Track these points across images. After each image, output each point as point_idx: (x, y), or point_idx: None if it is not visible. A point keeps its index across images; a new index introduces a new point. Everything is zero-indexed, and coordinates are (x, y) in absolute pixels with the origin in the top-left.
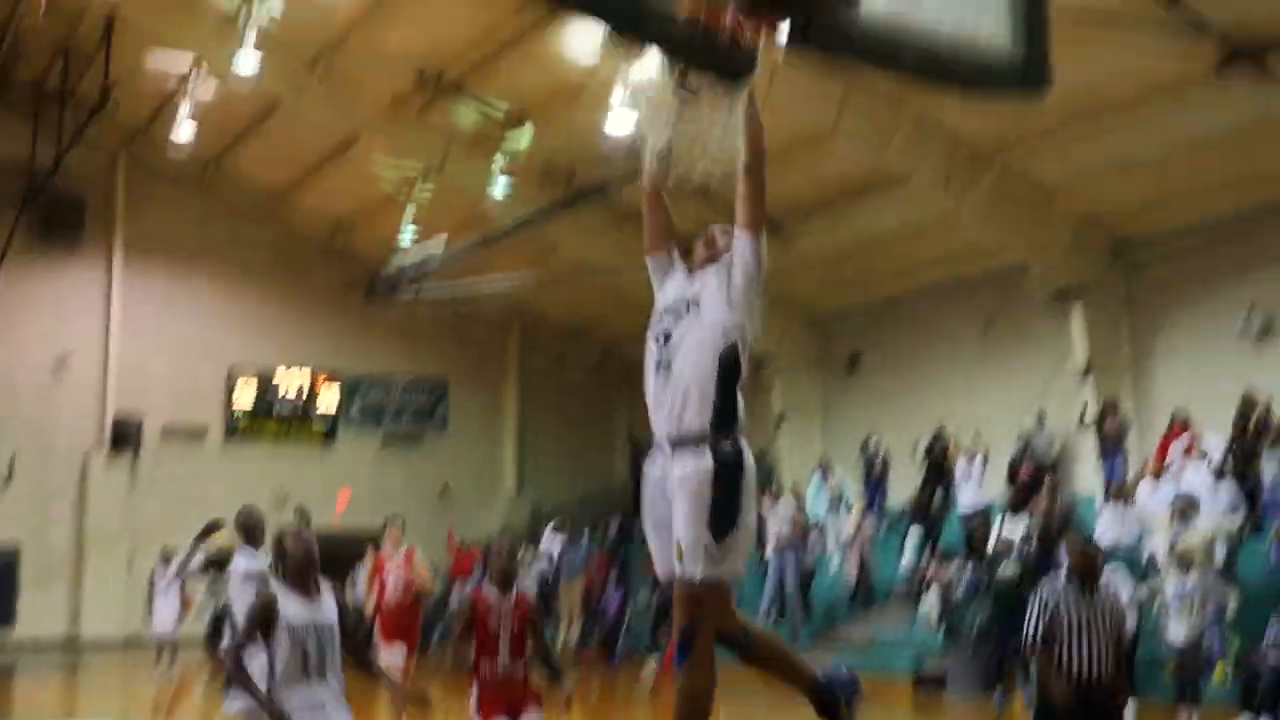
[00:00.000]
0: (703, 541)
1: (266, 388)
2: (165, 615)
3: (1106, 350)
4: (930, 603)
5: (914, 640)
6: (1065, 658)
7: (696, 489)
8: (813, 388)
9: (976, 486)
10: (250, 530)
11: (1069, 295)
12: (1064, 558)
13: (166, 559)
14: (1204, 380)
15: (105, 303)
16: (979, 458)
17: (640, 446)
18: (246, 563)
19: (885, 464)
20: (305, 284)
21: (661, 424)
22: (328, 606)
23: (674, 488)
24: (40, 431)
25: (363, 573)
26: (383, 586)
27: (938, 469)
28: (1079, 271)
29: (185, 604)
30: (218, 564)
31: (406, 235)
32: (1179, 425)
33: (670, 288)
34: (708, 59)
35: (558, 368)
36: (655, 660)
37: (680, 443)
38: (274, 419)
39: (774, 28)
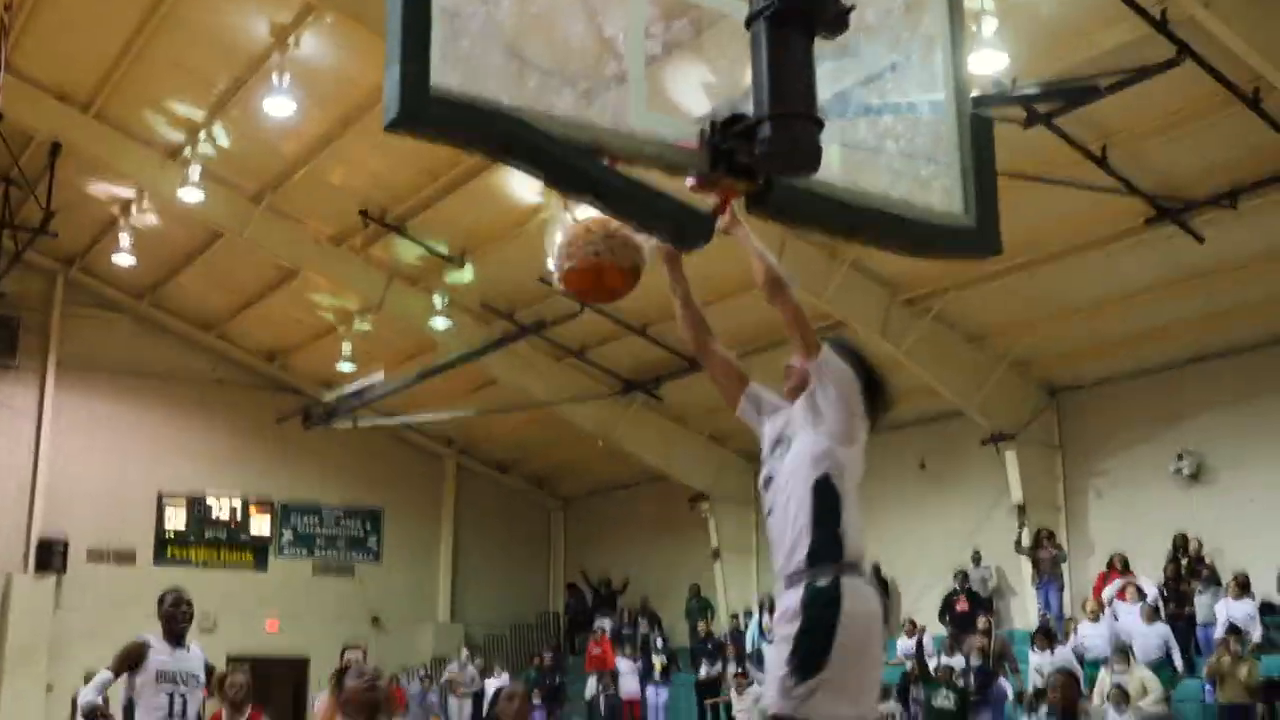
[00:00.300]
0: (782, 676)
1: (198, 510)
2: None
3: (1040, 489)
4: None
5: None
6: None
7: (787, 624)
8: (748, 523)
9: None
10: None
11: (1003, 437)
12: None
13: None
14: (1136, 519)
15: (36, 422)
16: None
17: (591, 583)
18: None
19: None
20: (241, 409)
21: (776, 565)
22: None
23: (774, 623)
24: None
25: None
26: None
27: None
28: (1013, 415)
29: None
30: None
31: (345, 365)
32: (1116, 566)
33: (767, 430)
34: (662, 224)
35: (494, 497)
36: None
37: (785, 580)
38: (205, 542)
39: (733, 195)
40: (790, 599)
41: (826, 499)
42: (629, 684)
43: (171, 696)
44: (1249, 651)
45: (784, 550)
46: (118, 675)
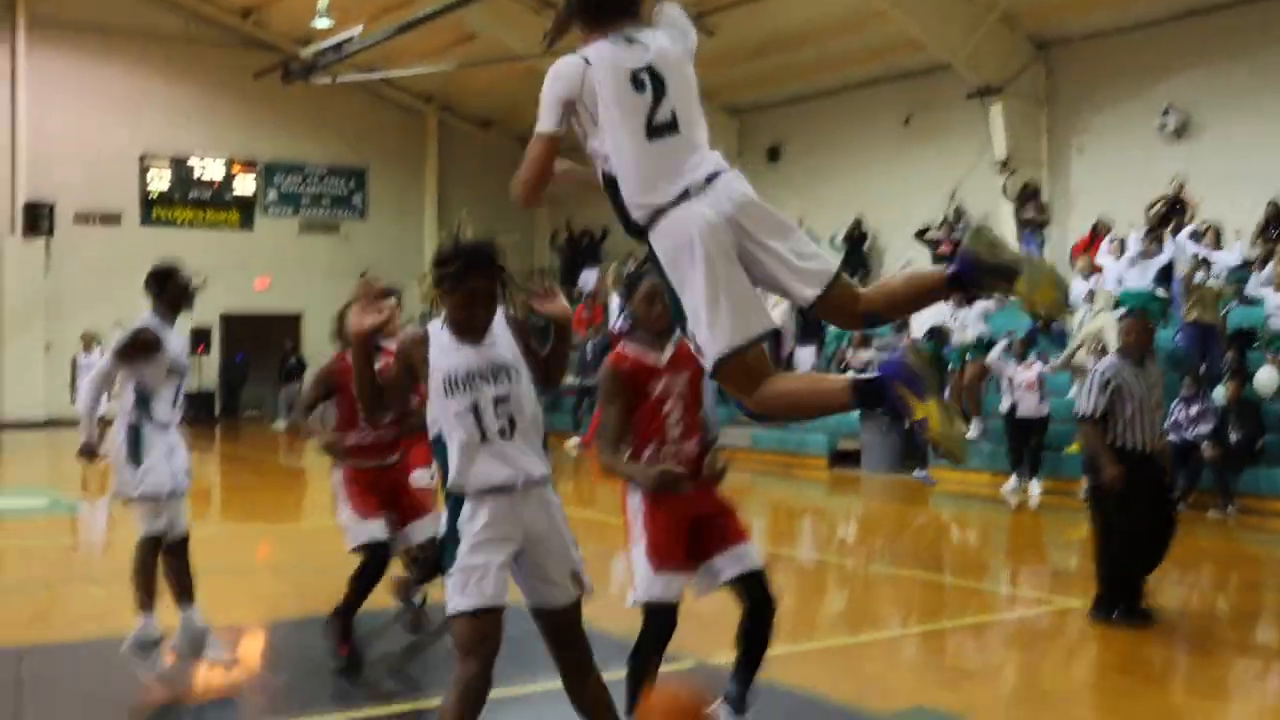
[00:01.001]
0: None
1: (182, 172)
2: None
3: (1025, 145)
4: None
5: (829, 420)
6: (1124, 433)
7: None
8: None
9: None
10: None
11: (989, 91)
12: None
13: (88, 345)
14: (1119, 175)
15: (10, 87)
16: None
17: (575, 236)
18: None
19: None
20: (218, 68)
21: None
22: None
23: None
24: None
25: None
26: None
27: (857, 255)
28: (1000, 68)
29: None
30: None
31: (321, 21)
32: (1102, 231)
33: None
34: None
35: (477, 154)
36: (578, 437)
37: None
38: (190, 203)
39: None
40: None
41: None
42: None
43: (178, 389)
44: (1220, 281)
45: None
46: (123, 363)
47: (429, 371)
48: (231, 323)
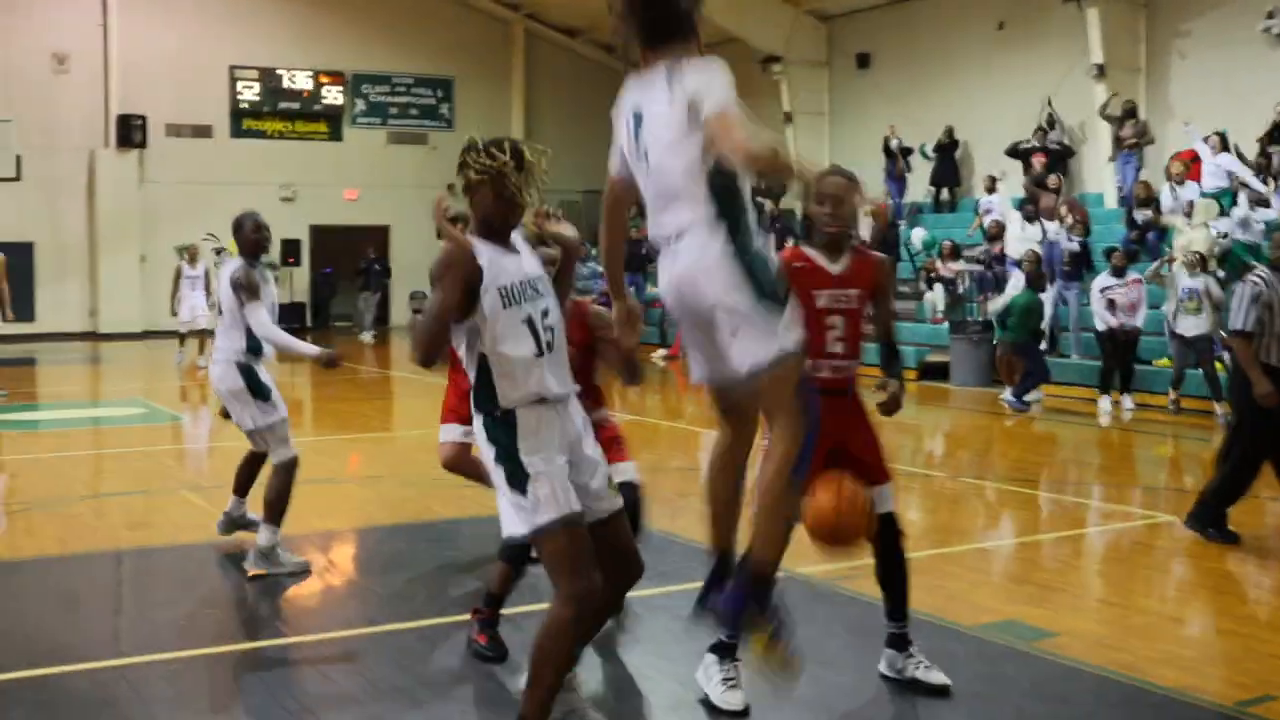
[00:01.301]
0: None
1: (271, 83)
2: (194, 307)
3: (1122, 50)
4: (936, 296)
5: (919, 331)
6: (1273, 349)
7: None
8: (821, 87)
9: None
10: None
11: None
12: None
13: (192, 257)
14: (1219, 83)
15: (102, 1)
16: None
17: None
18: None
19: (907, 159)
20: None
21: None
22: None
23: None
24: (46, 131)
25: None
26: None
27: (948, 164)
28: None
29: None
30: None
31: None
32: (1216, 139)
33: None
34: None
35: (564, 64)
36: (665, 349)
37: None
38: (279, 114)
39: None
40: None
41: None
42: None
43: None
44: None
45: None
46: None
47: (480, 284)
48: (320, 235)
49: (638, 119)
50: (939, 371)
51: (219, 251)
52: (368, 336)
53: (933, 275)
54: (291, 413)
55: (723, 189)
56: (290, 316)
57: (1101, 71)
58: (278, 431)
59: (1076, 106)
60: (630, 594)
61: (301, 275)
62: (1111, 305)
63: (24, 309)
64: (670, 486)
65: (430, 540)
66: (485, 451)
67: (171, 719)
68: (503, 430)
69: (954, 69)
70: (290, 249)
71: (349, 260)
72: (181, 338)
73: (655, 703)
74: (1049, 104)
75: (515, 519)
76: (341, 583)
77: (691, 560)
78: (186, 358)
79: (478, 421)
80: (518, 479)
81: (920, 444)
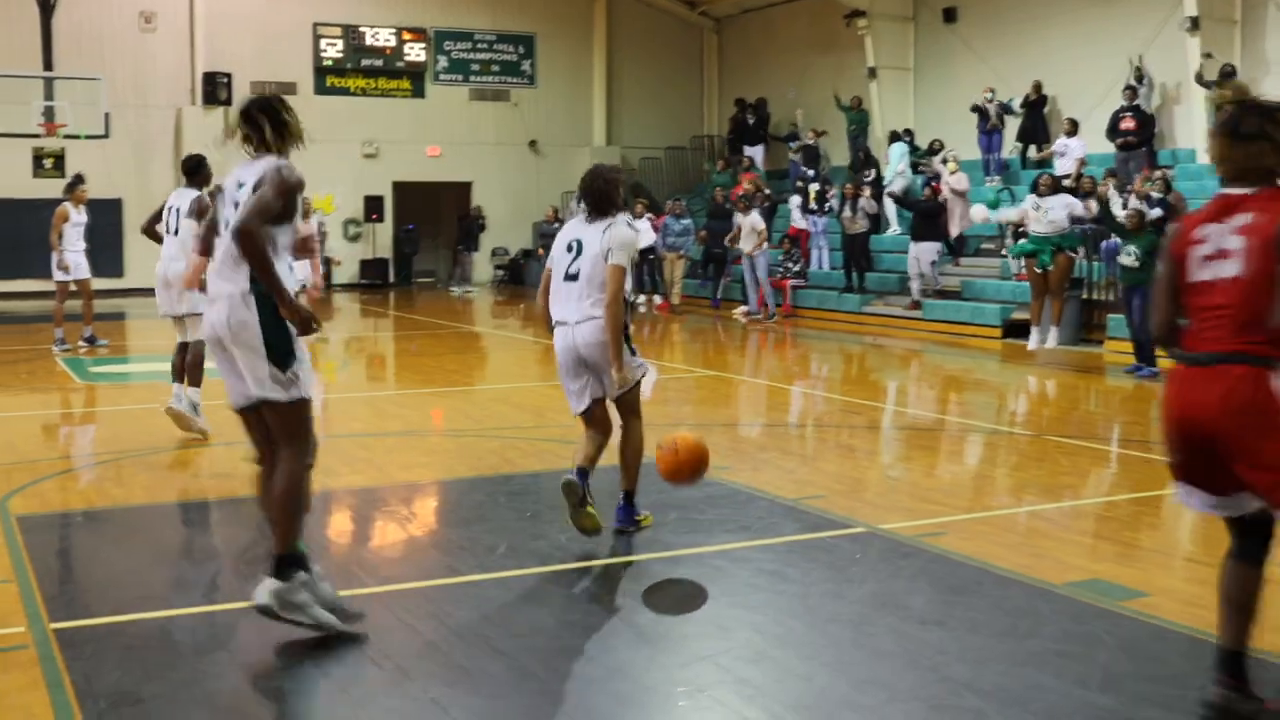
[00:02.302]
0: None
1: (353, 40)
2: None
3: (1216, 2)
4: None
5: (1004, 288)
6: None
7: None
8: (906, 42)
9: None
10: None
11: None
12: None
13: (306, 212)
14: None
15: None
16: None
17: (745, 100)
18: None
19: (1000, 117)
20: None
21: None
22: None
23: None
24: (134, 89)
25: None
26: None
27: (1037, 120)
28: None
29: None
30: None
31: None
32: None
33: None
34: None
35: (646, 19)
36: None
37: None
38: (362, 71)
39: None
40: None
41: None
42: (794, 217)
43: None
44: None
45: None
46: None
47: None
48: (403, 191)
49: (579, 244)
50: (1024, 329)
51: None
52: (461, 290)
53: (1020, 230)
54: (375, 367)
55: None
56: (374, 272)
57: (1195, 24)
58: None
59: (1168, 61)
60: (713, 546)
61: (385, 231)
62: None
63: (113, 264)
64: (752, 442)
65: (511, 492)
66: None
67: (255, 666)
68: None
69: (1041, 23)
70: (373, 205)
71: (430, 216)
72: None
73: (736, 654)
74: (1139, 60)
75: (274, 388)
76: (424, 533)
77: (774, 515)
78: None
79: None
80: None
81: (1005, 401)
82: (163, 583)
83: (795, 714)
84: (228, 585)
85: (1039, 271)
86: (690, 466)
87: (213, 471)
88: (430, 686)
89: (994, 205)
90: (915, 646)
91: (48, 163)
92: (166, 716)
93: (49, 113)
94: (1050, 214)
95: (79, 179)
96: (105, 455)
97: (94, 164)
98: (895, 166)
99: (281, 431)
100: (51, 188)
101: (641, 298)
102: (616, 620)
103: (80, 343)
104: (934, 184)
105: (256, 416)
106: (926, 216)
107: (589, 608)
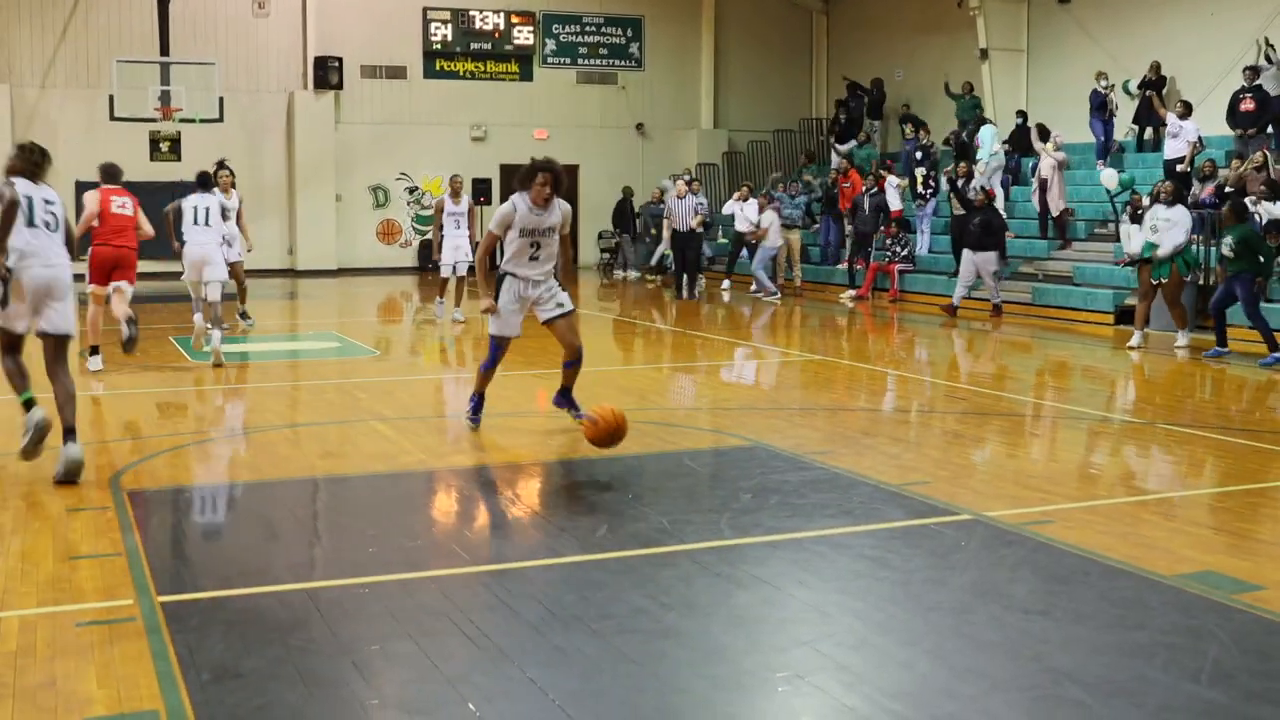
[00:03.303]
0: None
1: (462, 23)
2: (459, 247)
3: None
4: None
5: (1116, 275)
6: None
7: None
8: (1019, 23)
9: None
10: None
11: None
12: None
13: (455, 191)
14: None
15: None
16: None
17: (855, 82)
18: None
19: (1115, 102)
20: None
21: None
22: None
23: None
24: (247, 73)
25: None
26: None
27: (1149, 107)
28: None
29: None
30: None
31: None
32: None
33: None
34: None
35: (754, 3)
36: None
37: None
38: (470, 55)
39: None
40: None
41: None
42: (893, 201)
43: None
44: None
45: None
46: None
47: None
48: (510, 174)
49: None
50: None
51: (412, 191)
52: (623, 275)
53: (1140, 210)
54: (481, 350)
55: None
56: None
57: None
58: None
59: None
60: (814, 531)
61: (490, 215)
62: None
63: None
64: (856, 427)
65: (612, 475)
66: None
67: (357, 643)
68: None
69: (1157, 2)
70: (481, 188)
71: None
72: (443, 284)
73: (837, 640)
74: (1266, 42)
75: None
76: (524, 514)
77: (876, 500)
78: (447, 306)
79: None
80: None
81: (1116, 388)
82: (265, 558)
83: (896, 702)
84: (327, 562)
85: (1153, 283)
86: (608, 433)
87: (321, 451)
88: (528, 667)
89: (1127, 183)
90: (1018, 636)
91: (164, 146)
92: (266, 690)
93: (165, 97)
94: (1171, 233)
95: (221, 166)
96: (213, 433)
97: (208, 148)
98: (989, 149)
99: None
100: (168, 171)
101: (726, 282)
102: (714, 604)
103: (237, 319)
104: (987, 189)
105: None
106: (986, 227)
107: (687, 591)
